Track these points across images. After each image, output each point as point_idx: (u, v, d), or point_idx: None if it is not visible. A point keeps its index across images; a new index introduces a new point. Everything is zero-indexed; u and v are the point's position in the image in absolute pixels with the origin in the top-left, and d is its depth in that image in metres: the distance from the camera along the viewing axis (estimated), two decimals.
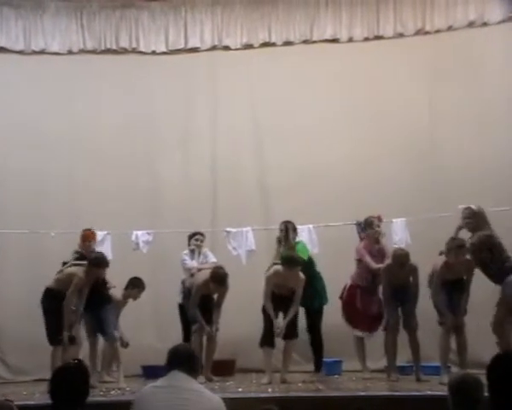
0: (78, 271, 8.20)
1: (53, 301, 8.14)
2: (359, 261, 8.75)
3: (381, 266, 8.47)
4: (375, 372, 8.77)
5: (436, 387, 7.21)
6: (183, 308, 8.94)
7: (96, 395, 7.10)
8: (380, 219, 8.87)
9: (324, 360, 8.84)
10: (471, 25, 10.03)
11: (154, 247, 9.76)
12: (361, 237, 9.08)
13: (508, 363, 3.47)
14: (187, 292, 8.82)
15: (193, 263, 9.00)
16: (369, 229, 8.80)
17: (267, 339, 8.30)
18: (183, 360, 4.26)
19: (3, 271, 9.98)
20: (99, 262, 8.33)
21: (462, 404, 3.82)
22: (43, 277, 8.87)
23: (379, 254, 8.69)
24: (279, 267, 8.28)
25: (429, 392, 7.00)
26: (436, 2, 10.14)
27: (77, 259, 8.52)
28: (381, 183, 9.92)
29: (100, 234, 9.29)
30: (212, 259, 9.06)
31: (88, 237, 8.92)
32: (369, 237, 8.80)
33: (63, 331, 8.06)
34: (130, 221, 9.87)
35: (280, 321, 8.31)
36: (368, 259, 8.61)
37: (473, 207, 8.05)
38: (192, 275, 8.85)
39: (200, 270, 8.81)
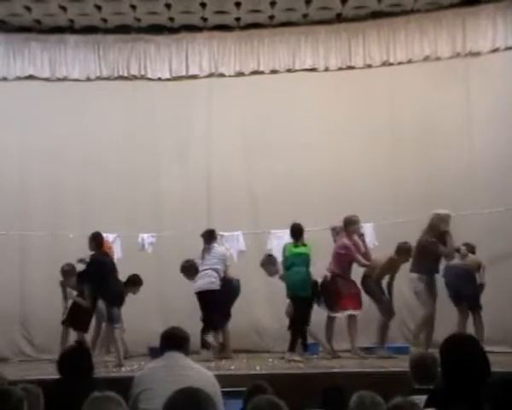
0: None
1: None
2: (344, 255, 9.17)
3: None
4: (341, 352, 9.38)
5: (399, 363, 7.65)
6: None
7: (102, 372, 7.40)
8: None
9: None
10: (426, 59, 10.95)
11: (158, 247, 10.59)
12: (335, 240, 9.56)
13: (457, 343, 3.64)
14: None
15: None
16: (352, 226, 9.23)
17: None
18: (177, 341, 4.42)
19: (30, 268, 10.77)
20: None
21: (420, 378, 4.28)
22: None
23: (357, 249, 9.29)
24: None
25: (392, 368, 7.47)
26: (397, 39, 11.02)
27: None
28: (356, 193, 10.57)
29: (111, 236, 10.14)
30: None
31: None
32: (353, 234, 9.24)
33: None
34: (136, 225, 10.62)
35: None
36: (358, 256, 9.14)
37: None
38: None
39: None
